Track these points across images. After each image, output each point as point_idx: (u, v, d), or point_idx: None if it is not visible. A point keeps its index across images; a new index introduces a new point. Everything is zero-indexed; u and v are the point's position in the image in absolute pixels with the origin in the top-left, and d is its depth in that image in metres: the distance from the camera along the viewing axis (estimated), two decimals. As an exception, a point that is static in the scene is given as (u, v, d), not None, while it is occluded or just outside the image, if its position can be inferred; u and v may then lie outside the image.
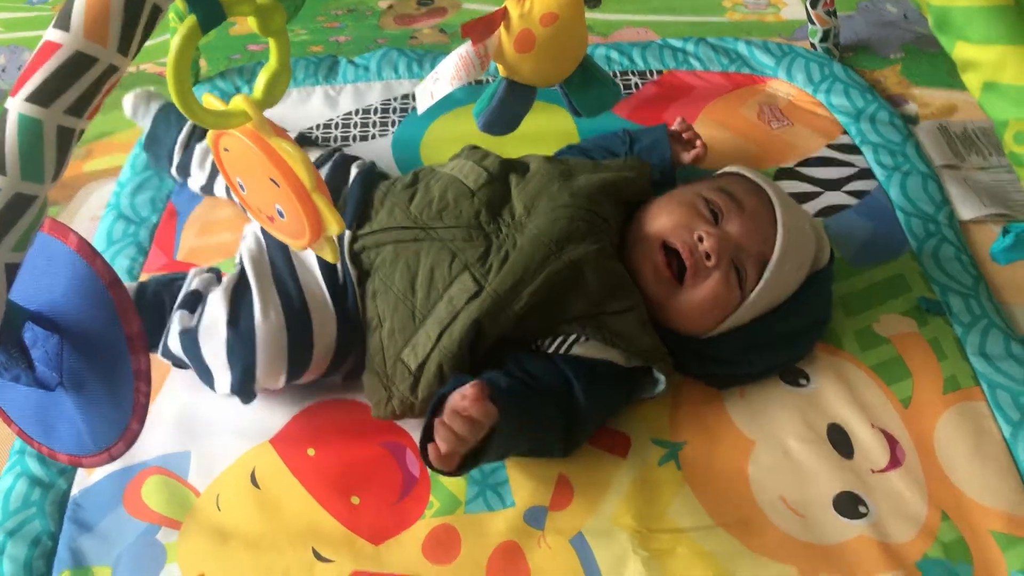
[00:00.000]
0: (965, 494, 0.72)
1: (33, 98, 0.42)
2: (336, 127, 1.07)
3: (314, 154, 0.87)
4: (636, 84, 1.12)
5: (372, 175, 0.83)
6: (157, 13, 0.45)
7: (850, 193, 0.97)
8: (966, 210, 0.95)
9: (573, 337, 0.72)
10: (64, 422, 0.52)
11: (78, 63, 0.42)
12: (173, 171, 0.95)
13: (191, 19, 0.48)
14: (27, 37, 1.27)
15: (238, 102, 0.52)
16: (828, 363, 0.81)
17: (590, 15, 1.24)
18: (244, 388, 0.72)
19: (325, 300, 0.74)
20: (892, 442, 0.75)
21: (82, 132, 0.45)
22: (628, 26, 1.24)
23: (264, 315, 0.70)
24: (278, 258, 0.75)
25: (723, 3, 1.28)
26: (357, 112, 1.09)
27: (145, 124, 0.97)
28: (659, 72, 1.13)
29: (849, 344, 0.82)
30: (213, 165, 0.90)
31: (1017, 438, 0.74)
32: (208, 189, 0.94)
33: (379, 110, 1.09)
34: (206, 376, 0.73)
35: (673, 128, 0.94)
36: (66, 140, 0.43)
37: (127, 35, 0.43)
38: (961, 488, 0.72)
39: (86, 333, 0.49)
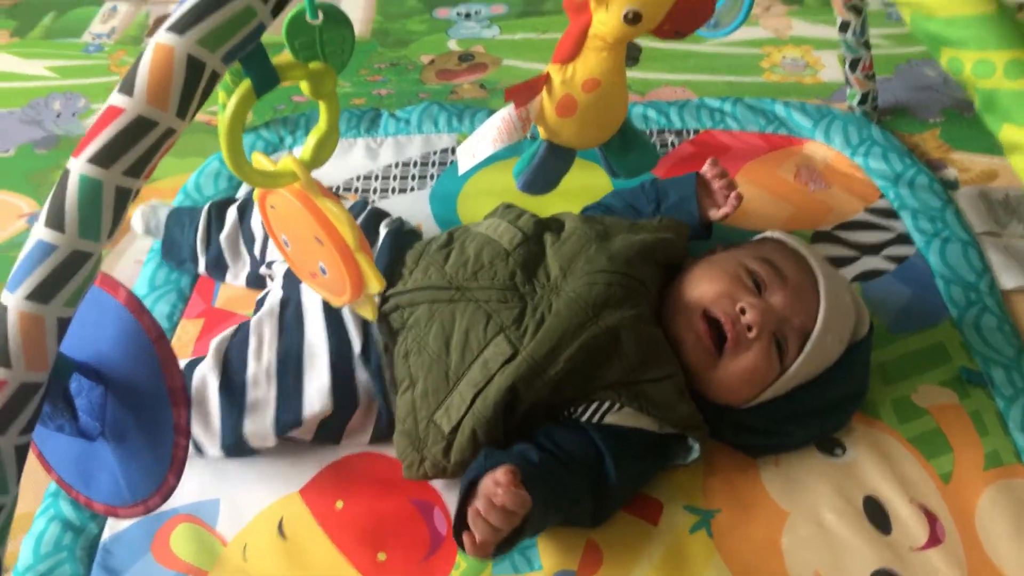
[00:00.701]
0: (1008, 576, 0.70)
1: (95, 159, 0.43)
2: (376, 179, 1.09)
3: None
4: (672, 143, 1.12)
5: (401, 235, 0.84)
6: (215, 79, 0.46)
7: (888, 258, 0.96)
8: (1008, 279, 0.93)
9: (607, 404, 0.72)
10: (103, 472, 0.53)
11: (139, 127, 0.43)
12: (202, 271, 0.93)
13: (246, 83, 0.50)
14: (83, 84, 1.32)
15: (287, 163, 0.54)
16: (864, 433, 0.79)
17: (628, 73, 1.26)
18: (234, 441, 0.74)
19: (323, 367, 0.75)
20: (932, 519, 0.73)
21: (138, 191, 0.46)
22: (666, 85, 1.25)
23: (256, 363, 0.73)
24: (290, 320, 0.77)
25: (761, 64, 1.29)
26: (397, 165, 1.11)
27: (159, 234, 0.95)
28: (696, 131, 1.14)
29: (887, 414, 0.81)
30: (250, 250, 0.89)
31: (1063, 519, 0.72)
32: (253, 280, 0.91)
33: (419, 163, 1.11)
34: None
35: (704, 172, 0.91)
36: (123, 200, 0.44)
37: (186, 100, 0.45)
38: (1004, 570, 0.70)
39: (130, 385, 0.50)
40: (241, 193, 1.05)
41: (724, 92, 1.21)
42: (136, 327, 0.49)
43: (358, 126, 1.15)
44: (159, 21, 1.47)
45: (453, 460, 0.71)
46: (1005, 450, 0.78)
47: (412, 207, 1.03)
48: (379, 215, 0.87)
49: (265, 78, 0.50)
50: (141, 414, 0.50)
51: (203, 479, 0.77)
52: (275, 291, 0.80)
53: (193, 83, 0.45)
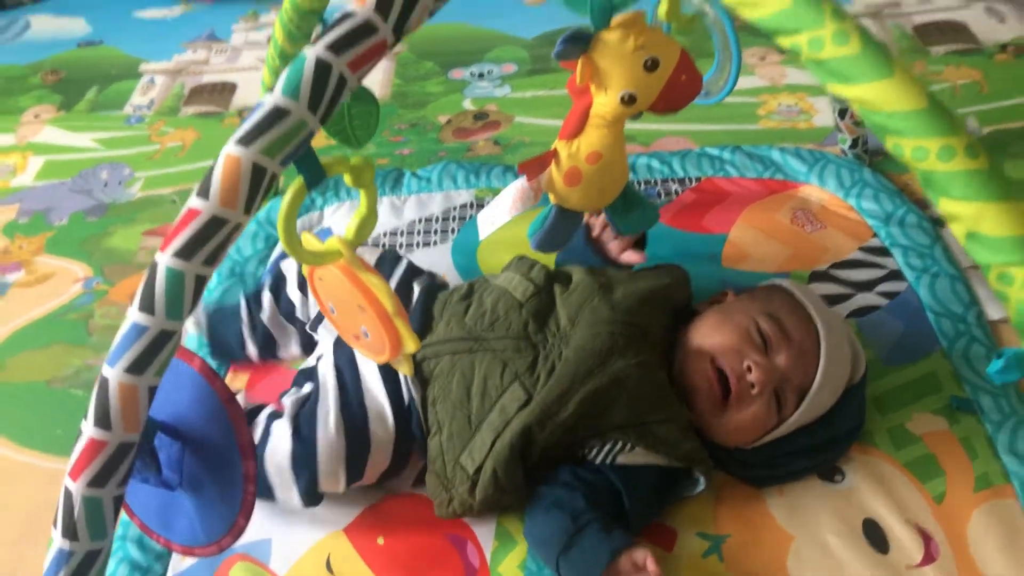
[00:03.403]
0: (999, 591, 0.75)
1: (178, 254, 0.51)
2: (401, 234, 1.17)
3: (374, 255, 0.96)
4: (676, 191, 1.20)
5: (432, 291, 0.90)
6: (274, 179, 0.55)
7: (881, 294, 1.03)
8: (994, 310, 0.99)
9: (620, 445, 0.79)
10: (181, 517, 0.60)
11: (214, 225, 0.52)
12: (254, 357, 0.96)
13: (299, 180, 0.58)
14: (127, 155, 1.42)
15: (333, 243, 0.62)
16: (862, 461, 0.85)
17: (633, 125, 1.34)
18: (310, 497, 0.80)
19: (387, 421, 0.80)
20: (926, 538, 0.79)
21: (211, 275, 0.54)
22: (668, 135, 1.33)
23: (325, 429, 0.79)
24: (349, 383, 0.82)
25: (758, 111, 1.37)
26: (420, 220, 1.19)
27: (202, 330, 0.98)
28: (698, 179, 1.21)
29: (883, 442, 0.87)
30: (291, 319, 0.94)
31: (1048, 536, 0.77)
32: (308, 346, 0.95)
33: (440, 219, 1.19)
34: (266, 492, 0.80)
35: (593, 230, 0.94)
36: (200, 285, 0.53)
37: (251, 199, 0.53)
38: (995, 584, 0.76)
39: (204, 441, 0.58)
40: (273, 256, 1.13)
41: (723, 140, 1.28)
42: (209, 391, 0.57)
43: (383, 185, 1.24)
44: (195, 91, 1.58)
45: (478, 498, 0.78)
46: (994, 472, 0.83)
47: (436, 259, 1.11)
48: (413, 272, 0.93)
49: (314, 174, 0.58)
50: (214, 466, 0.58)
51: (256, 520, 0.81)
52: (327, 355, 0.87)
53: (256, 185, 0.53)
